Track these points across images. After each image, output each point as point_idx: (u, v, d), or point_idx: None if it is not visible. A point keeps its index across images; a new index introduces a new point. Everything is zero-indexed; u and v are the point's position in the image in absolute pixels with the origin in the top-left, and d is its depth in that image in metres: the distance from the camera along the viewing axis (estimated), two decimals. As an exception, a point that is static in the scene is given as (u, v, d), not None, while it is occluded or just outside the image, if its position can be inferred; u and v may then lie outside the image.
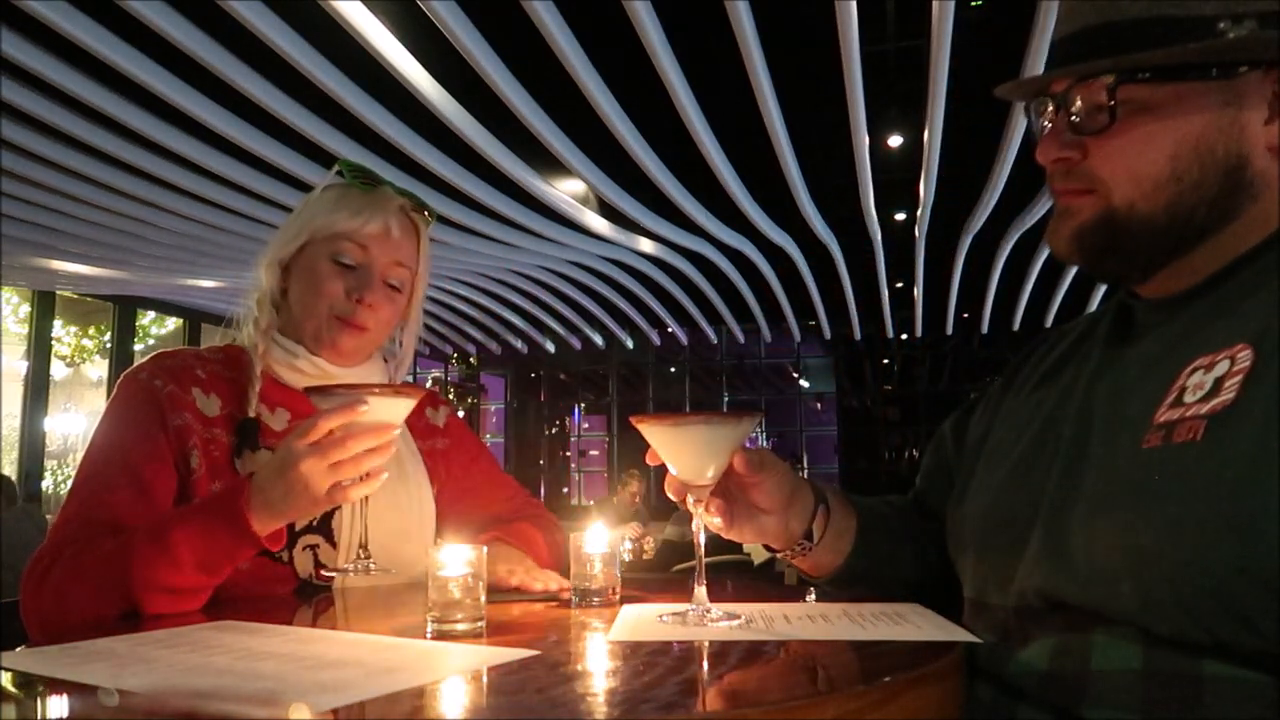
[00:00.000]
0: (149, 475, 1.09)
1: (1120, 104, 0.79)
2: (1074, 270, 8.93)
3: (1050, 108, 0.85)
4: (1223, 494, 0.64)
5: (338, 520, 1.17)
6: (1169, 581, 0.66)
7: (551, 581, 1.05)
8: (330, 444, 0.94)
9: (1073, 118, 0.82)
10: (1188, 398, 0.70)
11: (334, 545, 1.16)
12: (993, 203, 8.00)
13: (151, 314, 12.03)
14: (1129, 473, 0.71)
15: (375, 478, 0.99)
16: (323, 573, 0.97)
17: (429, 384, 16.88)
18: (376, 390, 0.99)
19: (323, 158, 6.19)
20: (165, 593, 0.97)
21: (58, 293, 10.29)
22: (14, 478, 6.92)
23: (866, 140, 6.83)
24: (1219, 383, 0.69)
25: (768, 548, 0.99)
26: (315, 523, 1.16)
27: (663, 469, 0.90)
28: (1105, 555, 0.70)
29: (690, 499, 0.89)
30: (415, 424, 1.33)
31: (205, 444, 1.13)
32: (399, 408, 1.02)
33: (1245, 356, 0.68)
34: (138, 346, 11.43)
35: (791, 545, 0.98)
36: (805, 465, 16.47)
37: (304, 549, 1.14)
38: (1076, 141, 0.82)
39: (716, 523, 0.93)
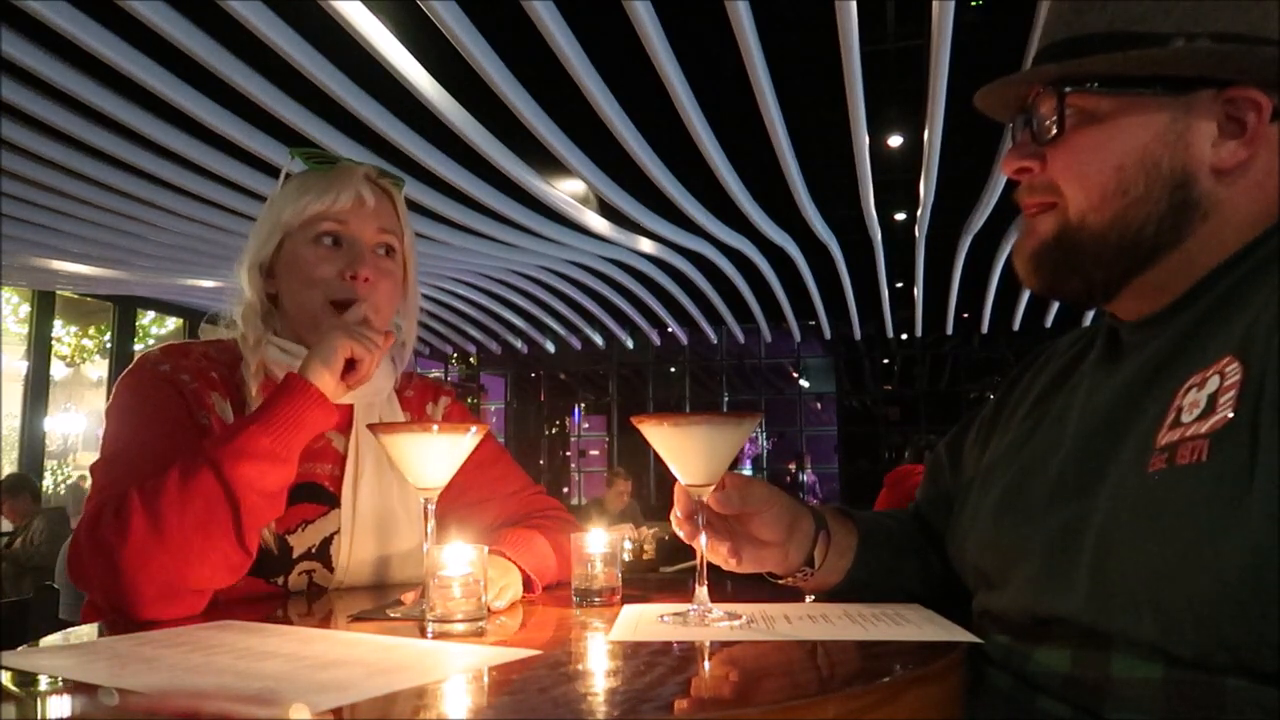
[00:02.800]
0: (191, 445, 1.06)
1: (1071, 113, 0.81)
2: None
3: (1021, 121, 0.87)
4: (1234, 513, 0.63)
5: (335, 546, 1.14)
6: (1187, 605, 0.65)
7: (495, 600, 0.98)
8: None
9: (1034, 129, 0.85)
10: (1185, 417, 0.70)
11: (330, 570, 1.14)
12: (993, 203, 7.99)
13: (151, 314, 12.03)
14: (1137, 498, 0.71)
15: (364, 366, 1.09)
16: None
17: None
18: (436, 428, 0.99)
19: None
20: (251, 463, 0.97)
21: (58, 293, 10.29)
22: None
23: (866, 140, 6.82)
24: (1213, 399, 0.68)
25: (770, 575, 0.99)
26: (314, 549, 1.13)
27: (660, 467, 0.90)
28: (1121, 582, 0.70)
29: (702, 523, 0.89)
30: (415, 419, 1.30)
31: None
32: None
33: (1234, 370, 0.68)
34: (137, 346, 11.43)
35: (792, 573, 0.98)
36: (810, 465, 16.49)
37: (300, 574, 1.13)
38: (1037, 152, 0.84)
39: (731, 564, 0.94)
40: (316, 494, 1.16)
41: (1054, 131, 0.83)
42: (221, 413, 1.13)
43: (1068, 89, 0.81)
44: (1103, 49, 0.80)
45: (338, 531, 1.15)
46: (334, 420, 1.07)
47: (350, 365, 1.08)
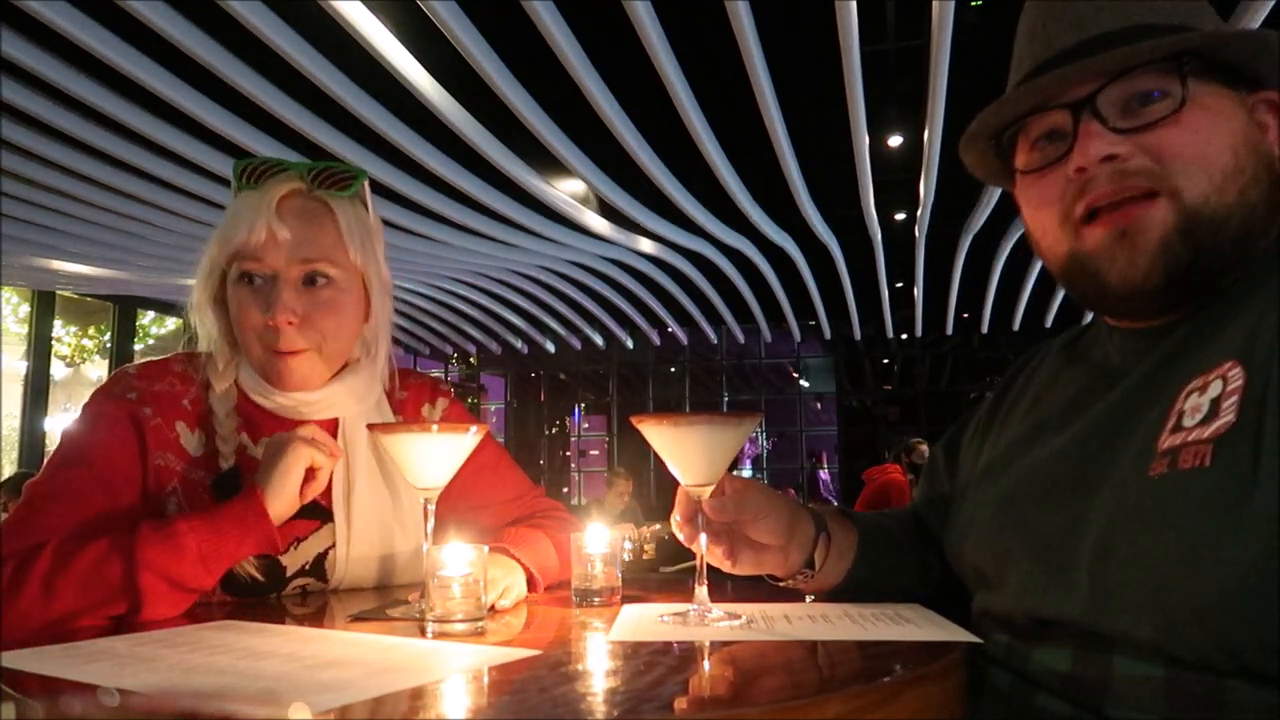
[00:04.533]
0: (127, 499, 1.03)
1: (1180, 92, 0.77)
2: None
3: (1063, 118, 0.81)
4: (1237, 517, 0.63)
5: (330, 560, 1.12)
6: (1188, 608, 0.65)
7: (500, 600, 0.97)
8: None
9: (1118, 113, 0.78)
10: (1187, 421, 0.70)
11: (325, 582, 1.13)
12: (993, 203, 8.00)
13: (151, 314, 12.04)
14: (1138, 501, 0.71)
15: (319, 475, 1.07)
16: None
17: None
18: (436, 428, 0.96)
19: (322, 157, 6.19)
20: (165, 581, 0.92)
21: (58, 293, 10.29)
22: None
23: (866, 140, 6.83)
24: (1216, 404, 0.68)
25: (770, 577, 0.99)
26: (309, 565, 1.11)
27: (660, 467, 0.90)
28: (1123, 586, 0.70)
29: (701, 525, 0.89)
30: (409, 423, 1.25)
31: (189, 486, 1.06)
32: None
33: (1236, 375, 0.68)
34: (138, 346, 11.44)
35: (793, 575, 0.98)
36: (825, 465, 16.52)
37: (294, 589, 1.11)
38: (1120, 140, 0.78)
39: (727, 566, 0.94)
40: (311, 509, 1.11)
41: (1170, 108, 0.77)
42: (187, 445, 1.08)
43: (1190, 64, 0.77)
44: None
45: (333, 546, 1.13)
46: (271, 548, 1.02)
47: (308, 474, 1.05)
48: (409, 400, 1.28)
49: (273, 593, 1.09)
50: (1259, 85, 0.81)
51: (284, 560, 1.09)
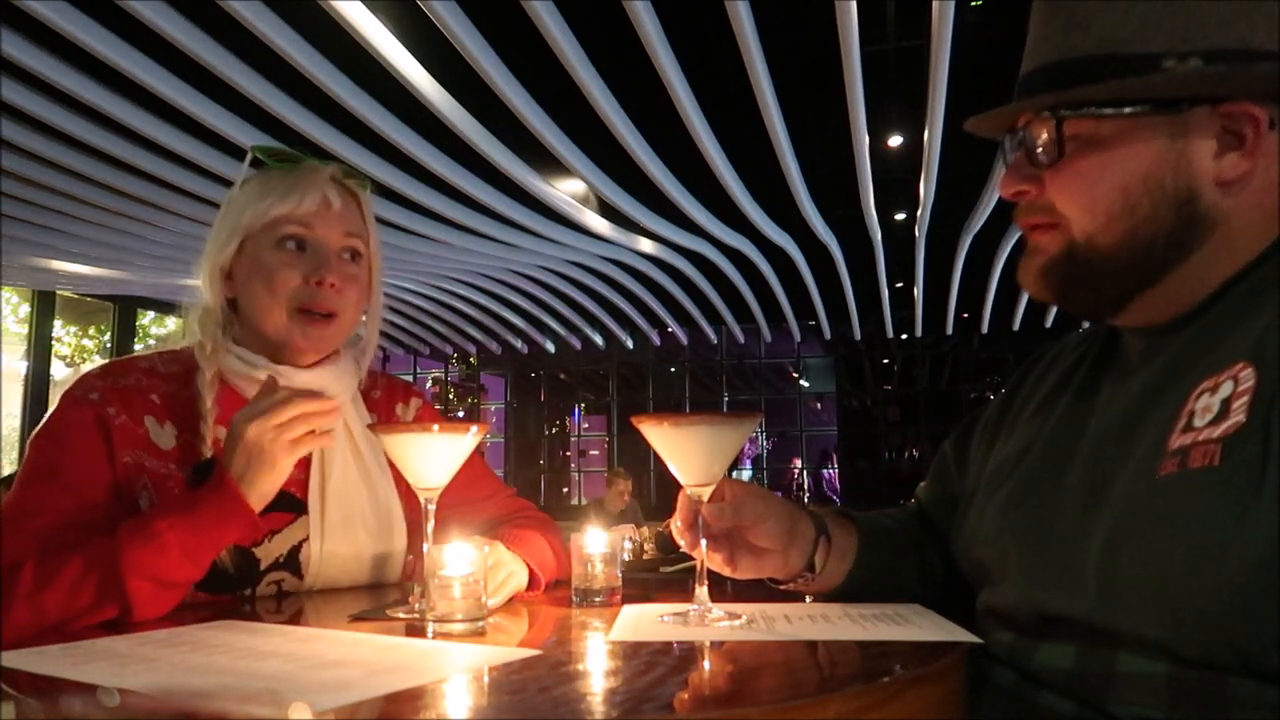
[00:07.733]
0: (100, 504, 1.02)
1: (1069, 138, 0.81)
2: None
3: (1013, 142, 0.87)
4: (1245, 517, 0.64)
5: (305, 554, 1.12)
6: (1195, 606, 0.66)
7: (503, 587, 0.99)
8: (270, 408, 0.99)
9: (1029, 152, 0.84)
10: (1197, 422, 0.70)
11: (300, 577, 1.12)
12: (993, 203, 8.00)
13: (151, 314, 12.04)
14: (1148, 502, 0.71)
15: (326, 436, 1.04)
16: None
17: (429, 384, 16.87)
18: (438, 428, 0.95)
19: (322, 158, 6.19)
20: (152, 582, 0.92)
21: (58, 293, 10.29)
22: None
23: (866, 140, 6.82)
24: (1226, 404, 0.69)
25: (771, 580, 0.99)
26: (283, 558, 1.10)
27: (660, 467, 0.90)
28: (1131, 584, 0.70)
29: (701, 530, 0.89)
30: (383, 422, 1.26)
31: (159, 480, 1.06)
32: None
33: (1248, 375, 0.69)
34: (137, 346, 11.44)
35: (793, 578, 0.98)
36: (807, 464, 16.53)
37: (269, 584, 1.10)
38: (1034, 175, 0.84)
39: (728, 571, 0.94)
40: (284, 501, 1.11)
41: (1052, 156, 0.82)
42: (157, 439, 1.07)
43: (1065, 113, 0.80)
44: (1094, 74, 0.79)
45: (307, 538, 1.12)
46: (254, 533, 1.02)
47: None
48: (383, 399, 1.30)
49: (246, 587, 1.08)
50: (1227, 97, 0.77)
51: (258, 553, 1.08)
